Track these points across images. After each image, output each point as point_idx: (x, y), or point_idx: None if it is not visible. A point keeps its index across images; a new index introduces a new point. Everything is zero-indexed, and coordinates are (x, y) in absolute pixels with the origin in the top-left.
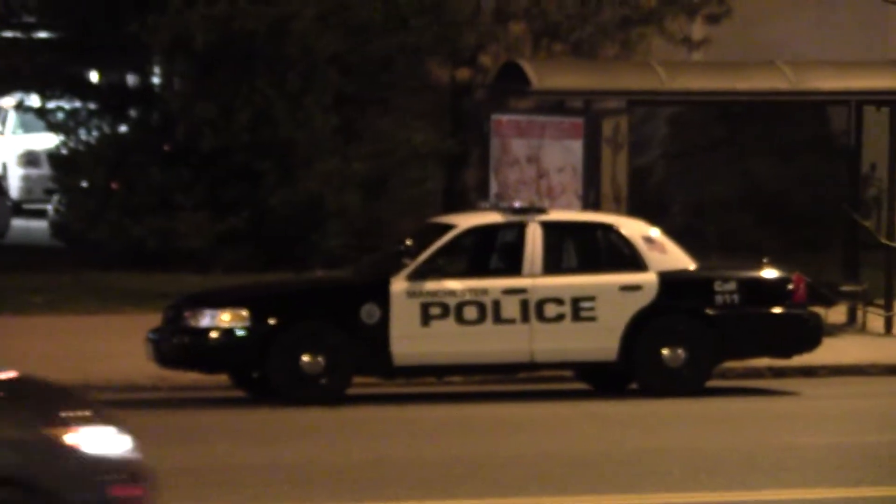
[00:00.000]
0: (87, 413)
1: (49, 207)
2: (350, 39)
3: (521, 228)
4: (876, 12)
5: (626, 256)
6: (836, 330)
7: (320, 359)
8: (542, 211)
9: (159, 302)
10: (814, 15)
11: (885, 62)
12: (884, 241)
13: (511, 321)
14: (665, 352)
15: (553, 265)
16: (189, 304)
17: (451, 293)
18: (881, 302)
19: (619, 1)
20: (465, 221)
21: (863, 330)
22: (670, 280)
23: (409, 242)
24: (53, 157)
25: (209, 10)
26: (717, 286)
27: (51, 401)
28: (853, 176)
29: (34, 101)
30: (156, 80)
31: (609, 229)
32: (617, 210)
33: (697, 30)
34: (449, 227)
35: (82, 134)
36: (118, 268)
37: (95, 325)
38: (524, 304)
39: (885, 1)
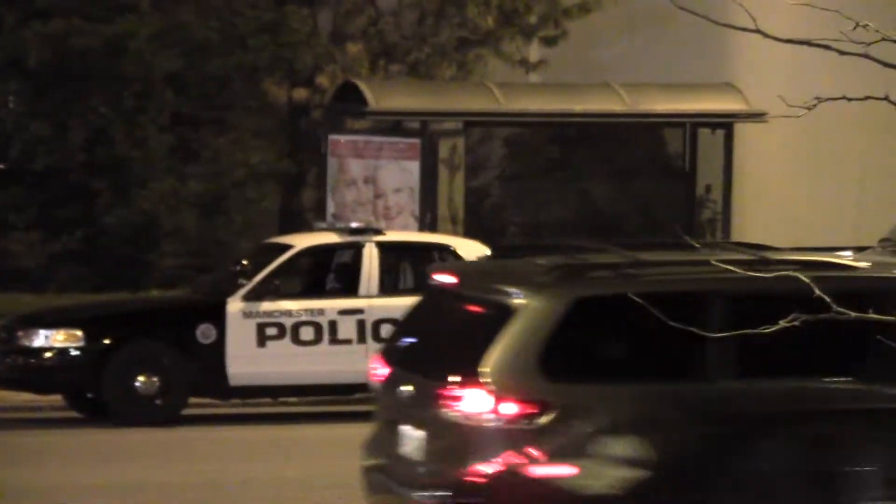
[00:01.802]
0: None
1: None
2: (187, 59)
3: (357, 249)
4: (712, 34)
5: None
6: None
7: (155, 379)
8: (378, 232)
9: None
10: (650, 37)
11: (720, 84)
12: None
13: (347, 342)
14: None
15: (390, 286)
16: (22, 324)
17: (288, 313)
18: None
19: (457, 22)
20: (301, 242)
21: None
22: None
23: (245, 263)
24: None
25: (44, 28)
26: None
27: None
28: (688, 198)
29: None
30: None
31: (445, 250)
32: (453, 231)
33: (534, 51)
34: (285, 248)
35: None
36: None
37: None
38: (361, 325)
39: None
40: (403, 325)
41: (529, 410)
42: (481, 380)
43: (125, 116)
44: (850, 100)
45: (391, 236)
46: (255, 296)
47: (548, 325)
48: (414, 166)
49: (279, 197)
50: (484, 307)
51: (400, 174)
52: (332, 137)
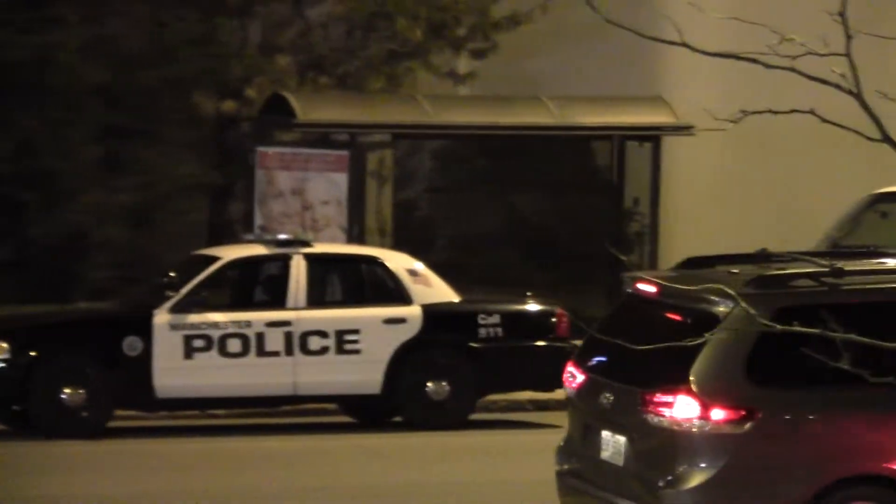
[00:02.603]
0: None
1: None
2: (116, 70)
3: (285, 261)
4: (641, 48)
5: (390, 289)
6: None
7: (81, 391)
8: (306, 244)
9: None
10: (579, 50)
11: (649, 98)
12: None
13: (275, 354)
14: (429, 385)
15: (317, 298)
16: None
17: (215, 325)
18: None
19: (386, 35)
20: (229, 254)
21: None
22: (434, 313)
23: (172, 275)
24: None
25: None
26: (481, 319)
27: None
28: (616, 211)
29: None
30: None
31: (374, 262)
32: (382, 243)
33: (463, 64)
34: (213, 260)
35: None
36: None
37: None
38: (288, 337)
39: (649, 38)
40: (597, 332)
41: (737, 415)
42: (691, 386)
43: (53, 128)
44: (775, 113)
45: (319, 248)
46: (182, 308)
47: (753, 333)
48: (342, 178)
49: (207, 209)
50: (687, 316)
51: (328, 186)
52: (261, 149)
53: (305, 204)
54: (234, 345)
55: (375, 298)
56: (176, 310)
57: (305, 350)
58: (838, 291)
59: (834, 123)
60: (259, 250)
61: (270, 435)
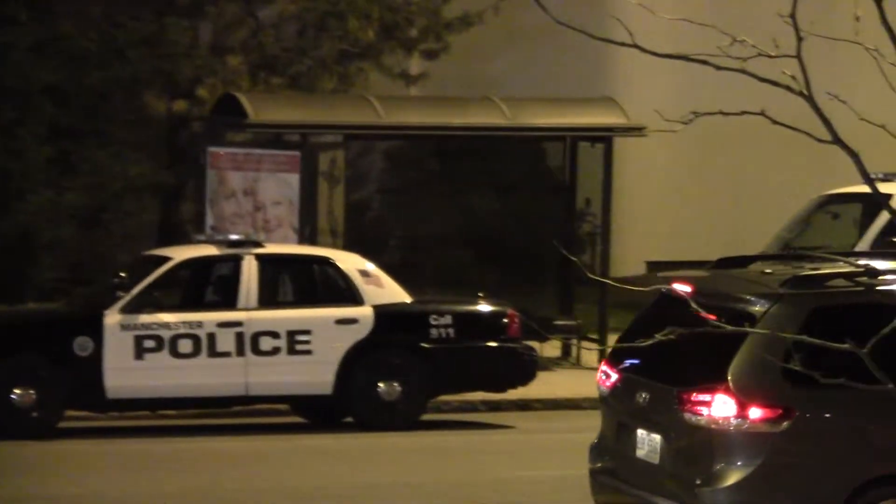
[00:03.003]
0: None
1: None
2: (67, 70)
3: (236, 261)
4: (593, 49)
5: (342, 290)
6: (550, 364)
7: (32, 392)
8: (257, 244)
9: None
10: (531, 51)
11: (600, 99)
12: (590, 276)
13: (226, 354)
14: (380, 385)
15: (269, 298)
16: None
17: (166, 326)
18: (595, 336)
19: (338, 35)
20: (180, 254)
21: (577, 364)
22: (386, 314)
23: (123, 275)
24: None
25: None
26: (433, 320)
27: None
28: (568, 211)
29: None
30: None
31: (325, 263)
32: (333, 244)
33: (415, 65)
34: (164, 260)
35: None
36: None
37: None
38: (239, 338)
39: (599, 40)
40: (631, 332)
41: (774, 414)
42: (729, 385)
43: (3, 128)
44: (725, 114)
45: (270, 249)
46: (133, 308)
47: (790, 332)
48: (294, 179)
49: (158, 209)
50: (724, 315)
51: (279, 187)
52: (212, 150)
53: (257, 204)
54: (186, 345)
55: (327, 299)
56: (127, 310)
57: (257, 350)
58: (873, 292)
59: (784, 125)
60: (210, 251)
61: (222, 436)
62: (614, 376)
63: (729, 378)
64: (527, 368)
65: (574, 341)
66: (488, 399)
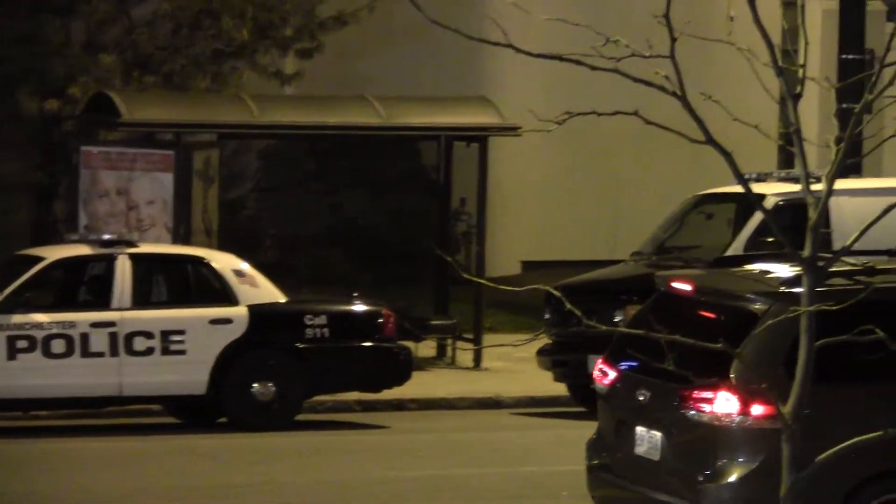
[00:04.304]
0: None
1: None
2: None
3: (110, 261)
4: (469, 49)
5: (216, 290)
6: (425, 364)
7: None
8: (131, 244)
9: None
10: (406, 50)
11: (475, 98)
12: (465, 276)
13: (99, 354)
14: (255, 385)
15: (143, 298)
16: None
17: (38, 326)
18: (470, 336)
19: (212, 34)
20: (52, 254)
21: (452, 364)
22: (260, 314)
23: None
24: None
25: None
26: (308, 320)
27: None
28: (443, 211)
29: None
30: None
31: (199, 262)
32: (208, 243)
33: (290, 64)
34: (36, 260)
35: None
36: None
37: None
38: (113, 338)
39: (474, 39)
40: (630, 330)
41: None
42: (732, 382)
43: None
44: (599, 114)
45: (144, 248)
46: (5, 308)
47: (793, 330)
48: (168, 178)
49: (31, 209)
50: (725, 313)
51: (153, 186)
52: (85, 149)
53: (131, 203)
54: (59, 345)
55: (201, 299)
56: None
57: (130, 351)
58: (873, 289)
59: (658, 125)
60: (84, 250)
61: (95, 436)
62: (612, 374)
63: (732, 375)
64: (402, 368)
65: (449, 341)
66: (363, 399)
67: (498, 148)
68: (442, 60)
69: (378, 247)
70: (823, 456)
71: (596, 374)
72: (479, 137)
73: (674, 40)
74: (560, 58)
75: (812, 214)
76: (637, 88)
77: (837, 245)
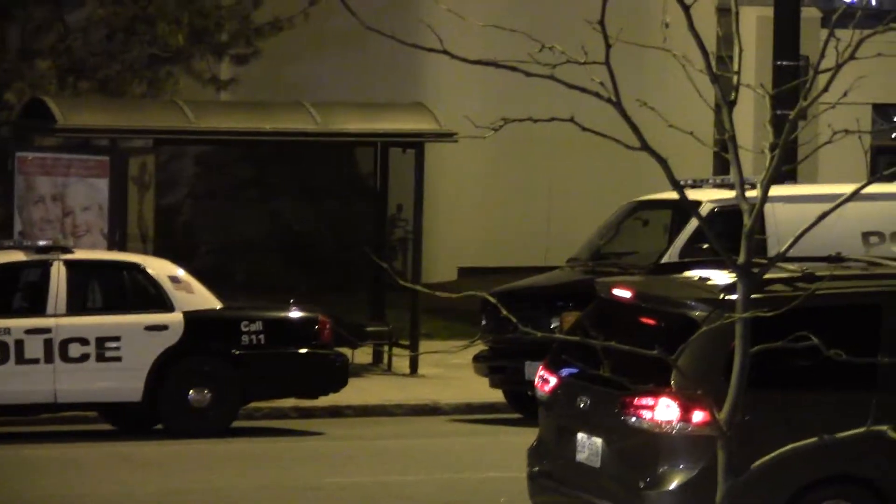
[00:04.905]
0: None
1: None
2: None
3: (45, 267)
4: (405, 55)
5: (152, 296)
6: (362, 370)
7: None
8: (66, 250)
9: None
10: (342, 57)
11: (412, 104)
12: (401, 282)
13: (34, 361)
14: (191, 392)
15: (78, 305)
16: None
17: None
18: (406, 342)
19: (147, 40)
20: None
21: (388, 370)
22: (196, 320)
23: None
24: None
25: None
26: (244, 326)
27: None
28: (379, 217)
29: None
30: None
31: (135, 269)
32: (144, 250)
33: (226, 70)
34: None
35: None
36: None
37: None
38: (48, 344)
39: (409, 45)
40: (569, 337)
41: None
42: (672, 389)
43: None
44: (535, 121)
45: (80, 254)
46: None
47: (731, 337)
48: (103, 184)
49: None
50: (665, 320)
51: (89, 192)
52: (20, 154)
53: (66, 209)
54: None
55: (137, 305)
56: None
57: (65, 357)
58: (812, 296)
59: (593, 131)
60: (18, 256)
61: (29, 443)
62: (553, 381)
63: (672, 382)
64: (338, 375)
65: (385, 348)
66: (300, 406)
67: (434, 154)
68: (378, 67)
69: (314, 253)
70: (759, 462)
71: (537, 380)
72: (415, 144)
73: (609, 47)
74: (496, 64)
75: (747, 221)
76: (573, 95)
77: (773, 252)
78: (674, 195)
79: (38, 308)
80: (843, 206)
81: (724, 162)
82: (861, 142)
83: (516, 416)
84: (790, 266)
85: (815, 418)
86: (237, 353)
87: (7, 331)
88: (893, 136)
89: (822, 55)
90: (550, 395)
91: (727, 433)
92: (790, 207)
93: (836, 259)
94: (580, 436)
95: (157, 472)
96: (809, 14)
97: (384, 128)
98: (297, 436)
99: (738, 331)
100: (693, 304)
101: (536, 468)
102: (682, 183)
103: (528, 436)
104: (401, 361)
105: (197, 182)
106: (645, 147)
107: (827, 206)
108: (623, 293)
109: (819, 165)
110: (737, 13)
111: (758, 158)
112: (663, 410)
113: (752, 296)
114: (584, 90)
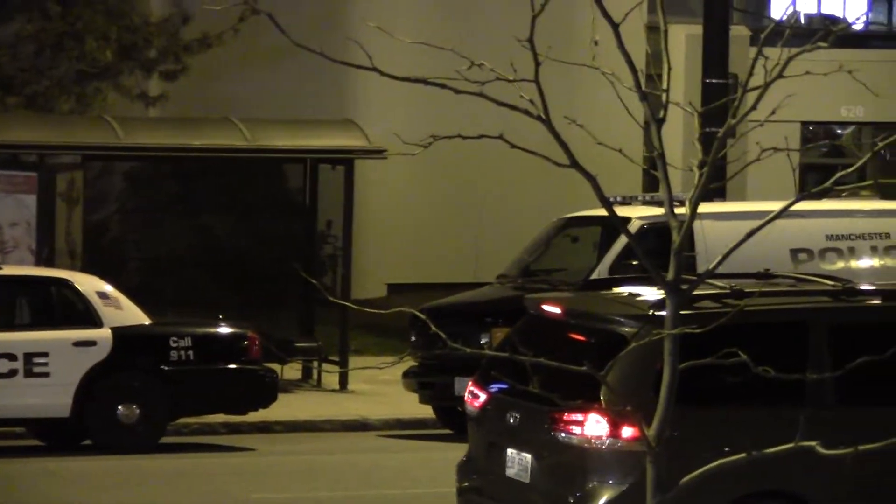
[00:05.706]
0: None
1: None
2: None
3: None
4: (334, 71)
5: (80, 312)
6: (291, 386)
7: None
8: None
9: None
10: (271, 73)
11: (341, 121)
12: (331, 298)
13: None
14: (119, 408)
15: (6, 321)
16: None
17: None
18: (336, 358)
19: (75, 55)
20: None
21: (318, 386)
22: (125, 336)
23: None
24: None
25: None
26: (172, 342)
27: None
28: (309, 234)
29: None
30: None
31: (63, 285)
32: (72, 266)
33: (154, 86)
34: None
35: None
36: None
37: None
38: None
39: (337, 62)
40: (498, 353)
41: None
42: (601, 405)
43: None
44: (464, 138)
45: (7, 271)
46: None
47: (660, 353)
48: (31, 200)
49: None
50: (594, 336)
51: (16, 208)
52: None
53: None
54: None
55: (65, 321)
56: None
57: None
58: (741, 312)
59: (522, 149)
60: None
61: None
62: (483, 396)
63: (601, 398)
64: (267, 390)
65: (315, 363)
66: (229, 421)
67: (364, 171)
68: (308, 83)
69: (244, 269)
70: (688, 478)
71: (466, 396)
72: (344, 160)
73: (538, 64)
74: (425, 81)
75: (676, 238)
76: (503, 112)
77: (702, 268)
78: (603, 212)
79: None
80: (772, 224)
81: (653, 179)
82: (790, 159)
83: (446, 431)
84: (719, 283)
85: (745, 434)
86: (166, 368)
87: None
88: (821, 153)
89: (751, 73)
90: (480, 410)
91: (656, 449)
92: (719, 224)
93: (765, 276)
94: (510, 451)
95: (86, 487)
96: (738, 32)
97: (314, 144)
98: (226, 451)
99: (667, 347)
100: (622, 320)
101: (466, 484)
102: (611, 200)
103: (457, 451)
104: (330, 377)
105: (125, 198)
106: (574, 164)
107: (756, 224)
108: (552, 309)
109: (748, 183)
110: (665, 31)
111: (687, 176)
112: (593, 426)
113: (681, 312)
114: (513, 107)
